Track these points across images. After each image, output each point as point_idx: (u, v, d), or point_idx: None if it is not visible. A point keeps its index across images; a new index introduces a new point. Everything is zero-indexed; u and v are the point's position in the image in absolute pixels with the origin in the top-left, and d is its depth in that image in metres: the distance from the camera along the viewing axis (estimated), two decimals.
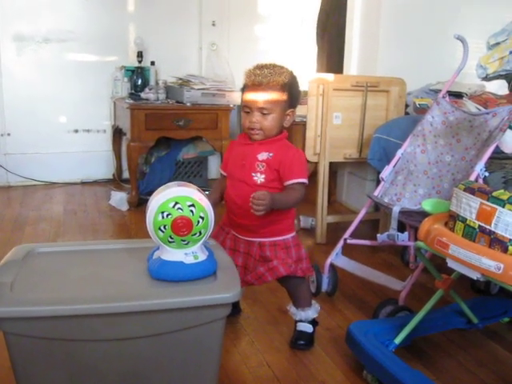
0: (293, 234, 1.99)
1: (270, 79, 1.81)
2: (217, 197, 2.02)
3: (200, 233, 1.41)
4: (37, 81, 4.34)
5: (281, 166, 1.86)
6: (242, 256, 1.98)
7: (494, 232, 1.45)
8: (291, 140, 2.82)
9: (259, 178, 1.87)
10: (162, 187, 1.45)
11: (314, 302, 2.07)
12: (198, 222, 1.39)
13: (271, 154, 1.87)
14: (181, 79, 4.12)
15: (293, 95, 1.88)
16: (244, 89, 1.89)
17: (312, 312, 2.04)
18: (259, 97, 1.82)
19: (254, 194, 1.73)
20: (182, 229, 1.38)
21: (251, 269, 1.95)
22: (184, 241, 1.40)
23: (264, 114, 1.83)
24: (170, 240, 1.40)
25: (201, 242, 1.44)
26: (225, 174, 2.01)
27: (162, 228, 1.38)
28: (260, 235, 1.94)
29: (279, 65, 1.88)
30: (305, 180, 1.88)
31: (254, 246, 1.95)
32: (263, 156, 1.88)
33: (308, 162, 3.09)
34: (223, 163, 2.04)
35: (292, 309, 2.06)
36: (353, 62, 3.84)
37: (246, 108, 1.87)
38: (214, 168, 4.68)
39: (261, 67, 1.85)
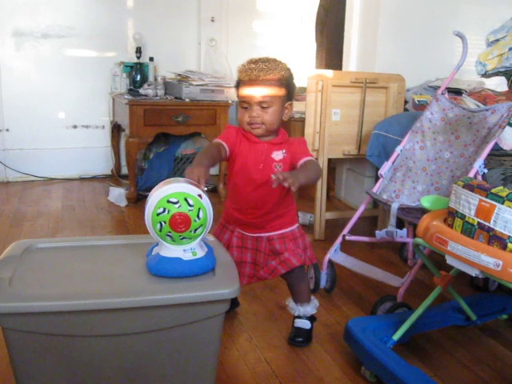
0: (297, 224, 2.01)
1: (267, 72, 1.79)
2: (212, 165, 1.78)
3: (198, 229, 1.41)
4: (36, 76, 4.34)
5: (292, 156, 1.86)
6: (250, 252, 1.98)
7: (492, 229, 1.45)
8: (290, 136, 2.82)
9: None
10: (161, 183, 1.45)
11: (313, 297, 2.07)
12: (197, 218, 1.39)
13: (284, 151, 1.87)
14: (179, 75, 4.12)
15: (290, 88, 1.87)
16: (239, 85, 1.86)
17: (311, 308, 2.04)
18: (258, 90, 1.80)
19: (277, 176, 1.59)
20: (179, 225, 1.37)
21: (262, 264, 1.96)
22: (182, 237, 1.40)
23: (264, 107, 1.81)
24: (168, 236, 1.40)
25: (199, 238, 1.44)
26: (227, 148, 1.87)
27: (160, 224, 1.38)
28: (267, 230, 1.95)
29: (272, 58, 1.86)
30: (312, 157, 1.86)
31: (262, 242, 1.96)
32: (279, 155, 1.87)
33: None
34: (229, 141, 1.88)
35: (291, 304, 2.06)
36: (352, 59, 3.83)
37: (243, 103, 1.84)
38: None
39: (255, 62, 1.83)
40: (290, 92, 1.88)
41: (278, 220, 1.94)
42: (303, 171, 1.79)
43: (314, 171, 1.81)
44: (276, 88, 1.81)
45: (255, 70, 1.80)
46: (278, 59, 1.87)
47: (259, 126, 1.84)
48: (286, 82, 1.84)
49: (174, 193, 1.39)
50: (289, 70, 1.87)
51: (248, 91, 1.82)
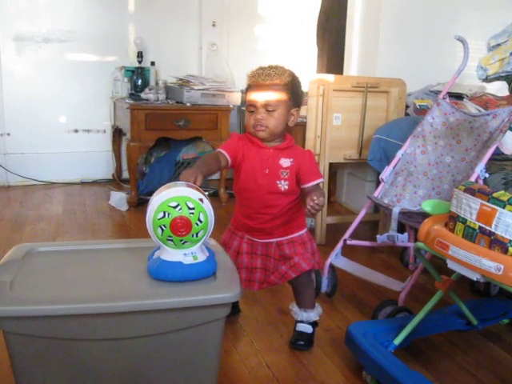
0: (306, 229, 2.02)
1: (274, 77, 1.83)
2: (207, 172, 1.76)
3: (199, 233, 1.41)
4: (37, 81, 4.35)
5: (300, 170, 1.87)
6: (260, 258, 1.99)
7: (494, 233, 1.45)
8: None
9: (283, 186, 1.87)
10: (163, 186, 1.45)
11: (317, 304, 2.07)
12: (198, 222, 1.38)
13: (292, 159, 1.88)
14: (181, 79, 4.12)
15: (296, 94, 1.89)
16: (247, 89, 1.89)
17: (314, 314, 2.04)
18: (264, 94, 1.83)
19: (315, 202, 1.69)
20: (180, 229, 1.37)
21: (272, 269, 1.98)
22: (183, 241, 1.40)
23: (269, 110, 1.83)
24: (169, 240, 1.39)
25: (200, 242, 1.43)
26: (228, 156, 1.88)
27: (161, 228, 1.38)
28: (277, 235, 1.96)
29: (281, 65, 1.89)
30: (322, 179, 1.92)
31: (271, 247, 1.97)
32: (286, 163, 1.88)
33: None
34: (230, 149, 1.89)
35: (295, 308, 2.06)
36: (353, 63, 3.84)
37: (250, 107, 1.86)
38: None
39: (263, 68, 1.87)
40: (297, 98, 1.90)
41: (287, 225, 1.95)
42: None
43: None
44: (282, 92, 1.83)
45: (262, 75, 1.84)
46: (286, 67, 1.90)
47: (263, 129, 1.85)
48: (293, 88, 1.87)
49: (174, 197, 1.38)
50: (295, 77, 1.90)
51: (254, 94, 1.85)
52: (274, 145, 1.90)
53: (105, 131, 4.62)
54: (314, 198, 1.70)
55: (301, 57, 4.95)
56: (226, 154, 1.89)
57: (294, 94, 1.88)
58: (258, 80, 1.84)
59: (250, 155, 1.90)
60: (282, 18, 4.94)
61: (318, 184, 1.88)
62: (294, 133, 3.35)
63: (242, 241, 2.01)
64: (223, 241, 2.04)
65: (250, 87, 1.88)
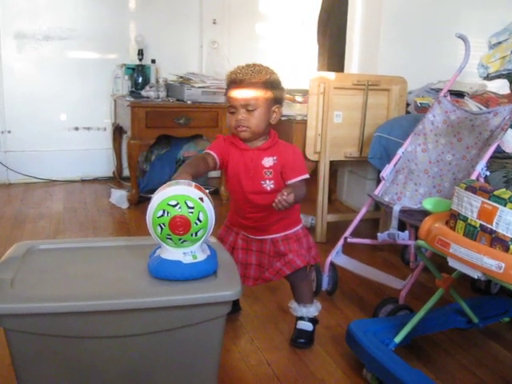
0: (301, 225, 2.02)
1: (252, 75, 1.82)
2: (195, 173, 1.71)
3: (199, 233, 1.40)
4: (37, 78, 4.34)
5: (284, 167, 1.86)
6: (255, 254, 2.00)
7: (495, 231, 1.44)
8: (292, 139, 2.81)
9: (268, 185, 1.87)
10: (164, 185, 1.44)
11: (315, 300, 2.08)
12: (197, 222, 1.38)
13: (275, 158, 1.87)
14: (181, 77, 4.12)
15: (276, 91, 1.87)
16: (227, 90, 1.90)
17: (313, 309, 2.05)
18: (242, 93, 1.83)
19: (283, 197, 1.68)
20: (179, 228, 1.36)
21: (267, 266, 1.98)
22: (182, 240, 1.39)
23: (249, 110, 1.82)
24: (168, 238, 1.39)
25: (199, 242, 1.43)
26: (216, 157, 1.89)
27: (160, 226, 1.37)
28: (271, 232, 1.96)
29: (259, 64, 1.89)
30: (307, 175, 1.89)
31: (266, 244, 1.97)
32: (269, 162, 1.87)
33: (308, 160, 3.09)
34: (218, 150, 1.90)
35: (294, 305, 2.06)
36: (354, 61, 3.83)
37: (231, 108, 1.87)
38: None
39: (241, 67, 1.87)
40: (277, 96, 1.88)
41: (282, 222, 1.95)
42: (296, 192, 1.76)
43: (302, 195, 1.83)
44: (261, 91, 1.82)
45: (239, 74, 1.84)
46: (264, 65, 1.89)
47: (245, 129, 1.84)
48: (272, 86, 1.85)
49: (174, 195, 1.38)
50: (275, 74, 1.89)
51: (233, 94, 1.85)
52: (258, 145, 1.89)
53: (105, 129, 4.61)
54: (285, 193, 1.69)
55: (301, 55, 4.95)
56: (214, 155, 1.89)
57: (274, 90, 1.86)
58: (235, 79, 1.85)
59: (233, 158, 1.90)
60: (283, 17, 4.94)
61: (301, 180, 1.87)
62: (294, 130, 3.36)
63: (237, 236, 2.02)
64: (219, 236, 2.05)
65: (228, 87, 1.89)
